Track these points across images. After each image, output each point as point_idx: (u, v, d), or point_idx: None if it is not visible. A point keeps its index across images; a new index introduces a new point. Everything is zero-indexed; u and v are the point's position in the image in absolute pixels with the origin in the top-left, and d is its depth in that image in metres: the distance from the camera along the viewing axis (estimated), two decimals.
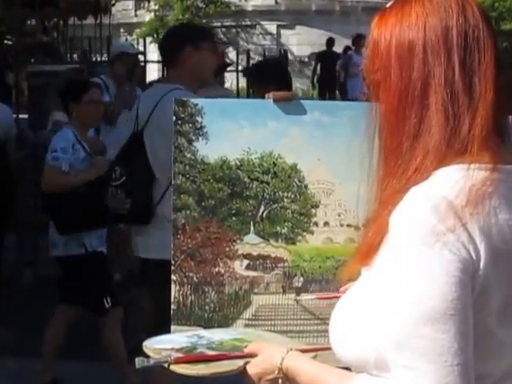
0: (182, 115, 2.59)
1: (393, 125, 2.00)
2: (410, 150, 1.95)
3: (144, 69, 11.41)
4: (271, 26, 46.16)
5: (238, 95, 12.24)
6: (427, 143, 1.93)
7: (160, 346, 2.45)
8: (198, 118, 2.60)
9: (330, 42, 26.14)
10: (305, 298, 2.65)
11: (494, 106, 1.96)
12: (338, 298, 2.29)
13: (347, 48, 23.71)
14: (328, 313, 2.13)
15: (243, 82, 12.51)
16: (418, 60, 1.97)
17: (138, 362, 2.36)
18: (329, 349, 2.15)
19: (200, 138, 2.60)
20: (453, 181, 1.89)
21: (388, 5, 2.11)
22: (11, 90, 15.81)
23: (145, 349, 2.43)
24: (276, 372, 2.16)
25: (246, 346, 2.33)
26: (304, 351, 2.26)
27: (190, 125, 2.60)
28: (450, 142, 1.93)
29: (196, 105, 2.60)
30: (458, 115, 1.93)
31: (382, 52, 2.03)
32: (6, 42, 20.07)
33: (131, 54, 9.76)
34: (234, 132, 2.61)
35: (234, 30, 44.98)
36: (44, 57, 17.94)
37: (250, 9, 46.00)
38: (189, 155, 2.60)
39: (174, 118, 2.59)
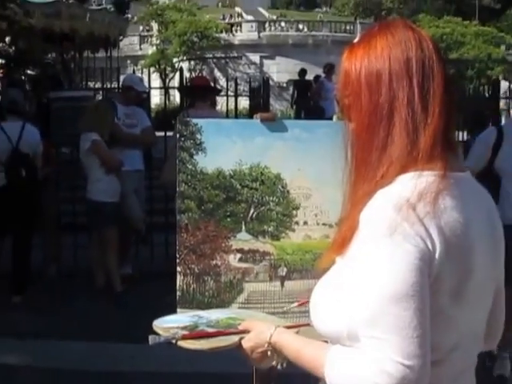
0: (185, 133, 2.59)
1: (364, 139, 2.02)
2: (377, 159, 1.98)
3: (148, 94, 11.38)
4: (255, 57, 46.23)
5: (227, 116, 12.24)
6: (392, 154, 1.96)
7: (168, 325, 2.46)
8: (198, 136, 2.59)
9: (303, 73, 26.16)
10: (290, 307, 2.66)
11: (444, 121, 1.99)
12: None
13: (318, 76, 23.72)
14: (307, 296, 2.15)
15: (232, 105, 12.53)
16: (385, 86, 1.99)
17: (151, 338, 2.38)
18: (308, 325, 2.17)
19: (199, 152, 2.59)
20: (412, 185, 1.92)
21: (355, 40, 2.13)
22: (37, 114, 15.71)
23: (155, 328, 2.44)
24: (266, 345, 2.18)
25: (239, 324, 2.34)
26: (288, 327, 2.28)
27: (191, 141, 2.59)
28: (410, 152, 1.95)
29: (196, 124, 2.60)
30: (417, 130, 1.96)
31: (353, 80, 2.04)
32: (29, 72, 19.91)
33: (137, 90, 9.78)
34: (227, 147, 2.61)
35: (223, 61, 45.01)
36: (60, 84, 17.86)
37: (236, 42, 46.13)
38: (190, 167, 2.59)
39: (178, 135, 2.59)
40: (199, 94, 8.70)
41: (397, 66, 2.00)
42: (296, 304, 2.64)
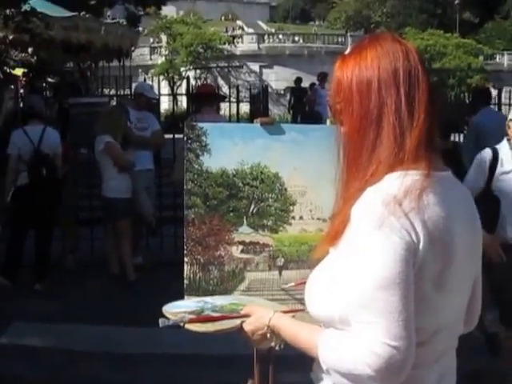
0: (192, 136, 2.59)
1: (355, 141, 2.03)
2: (367, 160, 1.99)
3: (158, 100, 11.40)
4: (255, 66, 46.31)
5: (230, 120, 12.26)
6: (380, 155, 1.98)
7: (176, 310, 2.47)
8: (203, 138, 2.59)
9: (298, 80, 26.19)
10: (288, 285, 2.66)
11: (428, 126, 2.00)
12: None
13: (312, 84, 23.74)
14: (303, 286, 2.16)
15: (234, 110, 12.55)
16: (375, 93, 2.00)
17: (161, 321, 2.40)
18: (303, 310, 2.18)
19: (205, 153, 2.59)
20: (398, 182, 1.94)
21: (347, 51, 2.14)
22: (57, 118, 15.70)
23: (164, 312, 2.46)
24: (265, 328, 2.20)
25: (241, 309, 2.35)
26: (285, 312, 2.28)
27: (197, 143, 2.59)
28: (397, 153, 1.97)
29: (202, 128, 2.60)
30: (403, 134, 1.98)
31: (345, 88, 2.05)
32: (50, 80, 19.92)
33: (148, 96, 9.85)
34: (230, 148, 2.61)
35: (226, 70, 45.05)
36: (79, 91, 17.87)
37: (238, 53, 46.22)
38: (196, 166, 2.59)
39: (185, 138, 2.60)
40: (205, 101, 8.70)
41: (385, 75, 2.01)
42: (294, 284, 2.64)
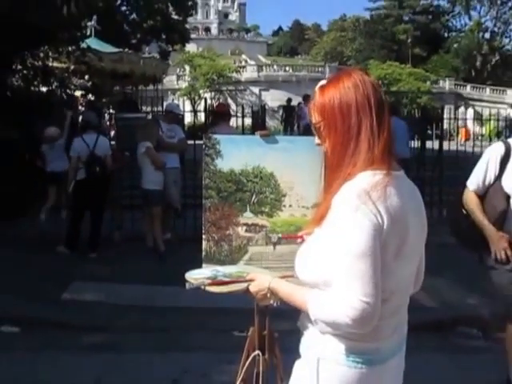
0: (208, 144, 2.58)
1: (338, 151, 2.04)
2: (347, 163, 2.01)
3: (183, 115, 11.41)
4: (256, 89, 46.42)
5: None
6: (357, 160, 2.00)
7: (195, 276, 2.47)
8: (217, 146, 2.58)
9: (289, 100, 26.29)
10: (275, 236, 2.65)
11: (389, 138, 2.03)
12: (295, 238, 2.43)
13: (299, 103, 23.79)
14: (292, 257, 2.16)
15: (239, 123, 12.54)
16: (354, 114, 2.01)
17: (187, 285, 2.43)
18: (292, 276, 2.19)
19: (218, 158, 2.58)
20: (368, 179, 1.96)
21: (325, 81, 2.13)
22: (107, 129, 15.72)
23: (187, 277, 2.46)
24: (266, 290, 2.20)
25: (246, 275, 2.35)
26: (281, 278, 2.28)
27: (213, 150, 2.58)
28: (369, 159, 1.99)
29: (216, 138, 2.60)
30: (374, 144, 1.99)
31: (328, 110, 2.04)
32: (102, 100, 19.93)
33: (175, 112, 9.87)
34: (237, 154, 2.59)
35: (233, 92, 45.17)
36: (136, 108, 17.87)
37: (243, 79, 46.39)
38: (212, 167, 2.58)
39: (204, 146, 2.59)
40: (221, 117, 8.71)
41: (361, 100, 2.01)
42: (281, 235, 2.63)
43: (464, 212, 4.36)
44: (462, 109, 36.06)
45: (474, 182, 4.31)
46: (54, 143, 10.34)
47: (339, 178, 2.00)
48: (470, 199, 4.31)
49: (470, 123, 25.46)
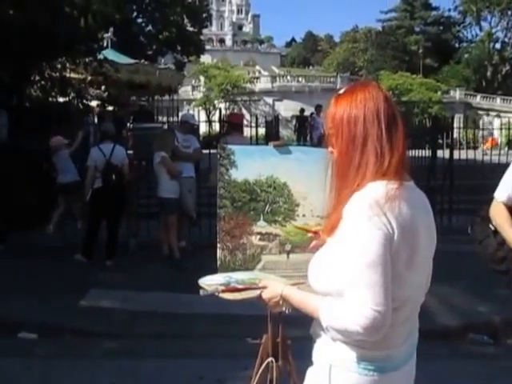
0: (223, 154, 2.58)
1: (343, 160, 2.05)
2: (355, 173, 2.01)
3: (198, 125, 11.44)
4: (269, 100, 46.44)
5: (251, 140, 12.28)
6: (365, 171, 2.00)
7: (209, 283, 2.47)
8: (232, 156, 2.57)
9: (301, 111, 26.28)
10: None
11: (403, 150, 2.03)
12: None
13: (312, 113, 23.80)
14: (306, 266, 2.16)
15: (253, 132, 12.55)
16: (361, 125, 2.01)
17: (201, 291, 2.44)
18: (304, 283, 2.19)
19: (233, 168, 2.57)
20: (379, 189, 1.96)
21: (341, 91, 2.13)
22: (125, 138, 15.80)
23: (200, 283, 2.46)
24: (278, 297, 2.21)
25: (258, 282, 2.36)
26: (293, 285, 2.28)
27: (227, 160, 2.58)
28: (377, 169, 1.99)
29: (230, 149, 2.59)
30: (384, 155, 2.00)
31: (337, 120, 2.05)
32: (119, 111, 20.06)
33: (190, 123, 9.90)
34: (251, 164, 2.58)
35: (248, 102, 45.14)
36: (141, 119, 17.95)
37: (257, 90, 46.42)
38: (226, 177, 2.57)
39: (218, 156, 2.59)
40: (234, 127, 8.71)
41: (369, 114, 2.01)
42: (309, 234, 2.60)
43: (492, 228, 3.69)
44: (486, 118, 36.19)
45: (503, 192, 3.59)
46: (58, 153, 10.46)
47: (347, 187, 2.01)
48: (499, 212, 3.59)
49: (495, 132, 26.03)
